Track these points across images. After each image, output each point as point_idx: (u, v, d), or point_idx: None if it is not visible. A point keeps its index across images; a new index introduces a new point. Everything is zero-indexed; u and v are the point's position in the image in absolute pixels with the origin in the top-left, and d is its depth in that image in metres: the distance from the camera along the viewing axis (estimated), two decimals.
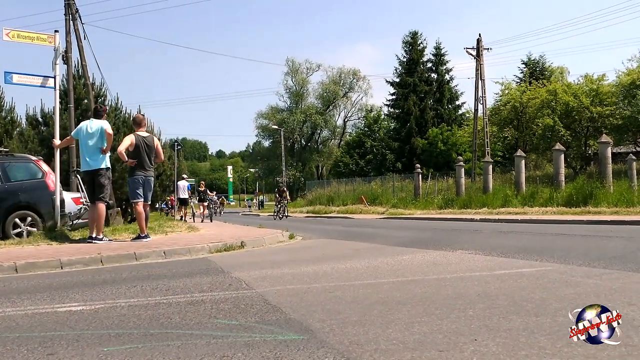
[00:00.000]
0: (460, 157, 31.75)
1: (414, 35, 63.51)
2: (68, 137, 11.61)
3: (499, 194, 24.66)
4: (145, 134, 10.67)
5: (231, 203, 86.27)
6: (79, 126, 10.59)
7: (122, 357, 2.82)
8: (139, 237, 10.37)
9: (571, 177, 27.39)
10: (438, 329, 3.13)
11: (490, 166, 28.10)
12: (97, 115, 10.49)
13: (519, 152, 25.89)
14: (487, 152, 33.57)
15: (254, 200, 75.37)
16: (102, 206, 10.17)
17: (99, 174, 10.17)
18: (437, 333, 3.05)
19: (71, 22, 19.02)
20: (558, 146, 23.60)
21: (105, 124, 10.24)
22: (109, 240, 10.22)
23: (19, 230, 11.47)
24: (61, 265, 7.26)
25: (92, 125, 10.23)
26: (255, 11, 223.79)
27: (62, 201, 11.94)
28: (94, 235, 10.05)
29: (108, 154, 10.36)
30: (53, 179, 11.60)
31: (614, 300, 3.74)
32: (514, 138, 38.30)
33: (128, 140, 10.40)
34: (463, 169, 29.95)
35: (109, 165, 10.37)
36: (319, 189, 51.23)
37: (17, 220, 11.51)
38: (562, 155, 23.75)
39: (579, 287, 4.36)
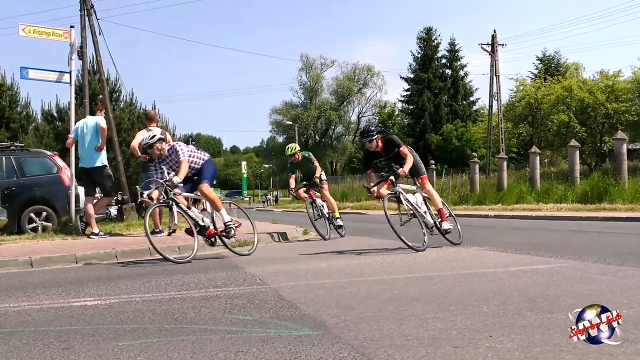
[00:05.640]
0: (474, 154, 31.57)
1: (429, 31, 63.23)
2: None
3: (514, 190, 24.47)
4: (157, 130, 10.74)
5: (245, 199, 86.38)
6: (75, 125, 10.78)
7: (137, 352, 2.84)
8: (153, 233, 10.41)
9: (586, 173, 27.12)
10: (452, 325, 3.12)
11: (505, 162, 27.91)
12: (92, 112, 10.70)
13: (534, 149, 25.69)
14: (502, 149, 33.38)
15: (268, 196, 75.48)
16: (106, 200, 10.87)
17: (97, 172, 10.36)
18: (451, 329, 3.04)
19: (86, 17, 19.08)
20: (573, 142, 23.40)
21: (100, 119, 10.45)
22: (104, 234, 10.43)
23: (34, 225, 11.57)
24: (76, 260, 7.32)
25: (88, 123, 10.45)
26: (270, 6, 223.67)
27: (77, 196, 12.01)
28: (96, 231, 10.17)
29: (104, 152, 10.56)
30: (68, 174, 11.67)
31: (629, 297, 3.72)
32: (529, 134, 38.05)
33: (140, 136, 10.45)
34: (477, 165, 29.75)
35: (105, 163, 10.57)
36: (333, 184, 51.22)
37: (32, 215, 11.61)
38: (577, 152, 23.53)
39: (594, 284, 4.33)
